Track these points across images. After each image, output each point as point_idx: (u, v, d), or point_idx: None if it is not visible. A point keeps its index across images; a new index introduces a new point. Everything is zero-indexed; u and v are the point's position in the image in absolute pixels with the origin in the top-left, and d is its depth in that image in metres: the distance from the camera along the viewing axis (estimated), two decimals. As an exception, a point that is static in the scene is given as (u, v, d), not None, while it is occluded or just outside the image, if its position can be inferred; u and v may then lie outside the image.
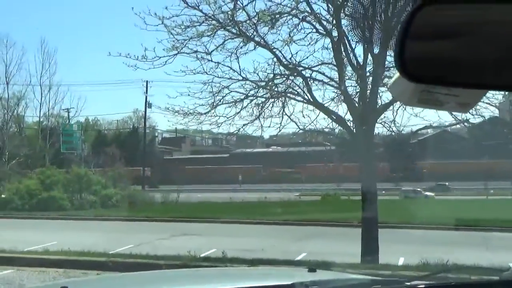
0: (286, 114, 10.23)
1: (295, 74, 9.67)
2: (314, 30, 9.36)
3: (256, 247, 18.56)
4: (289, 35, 9.32)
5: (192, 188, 62.23)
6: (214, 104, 9.72)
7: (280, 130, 10.31)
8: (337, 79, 9.78)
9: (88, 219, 30.70)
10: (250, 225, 26.96)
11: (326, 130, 10.44)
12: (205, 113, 9.73)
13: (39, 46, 55.04)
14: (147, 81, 59.97)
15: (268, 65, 9.78)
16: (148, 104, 61.27)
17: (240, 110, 9.74)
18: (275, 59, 9.57)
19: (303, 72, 9.69)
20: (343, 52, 9.42)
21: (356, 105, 9.53)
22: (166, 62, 9.25)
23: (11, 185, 41.12)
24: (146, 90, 60.50)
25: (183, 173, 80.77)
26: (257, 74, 9.82)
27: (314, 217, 27.51)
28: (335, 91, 10.06)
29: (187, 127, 11.92)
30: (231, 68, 9.69)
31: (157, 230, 24.30)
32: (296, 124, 10.37)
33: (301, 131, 10.49)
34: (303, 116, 10.06)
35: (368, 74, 9.49)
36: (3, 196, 39.05)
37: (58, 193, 38.31)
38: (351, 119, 9.88)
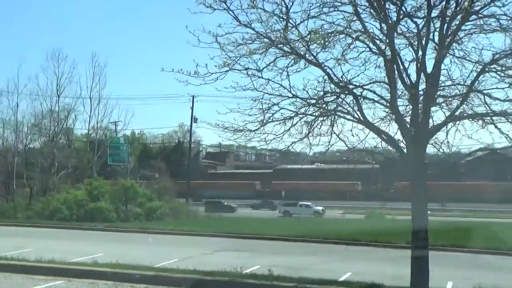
0: (334, 132, 10.17)
1: (346, 92, 9.61)
2: (367, 49, 9.29)
3: (300, 264, 18.44)
4: (342, 54, 9.28)
5: (236, 203, 62.62)
6: (264, 121, 9.74)
7: (328, 149, 10.24)
8: (388, 98, 9.67)
9: (133, 231, 31.04)
10: (292, 242, 26.79)
11: (375, 149, 10.30)
12: (254, 130, 9.77)
13: (90, 60, 56.48)
14: (193, 96, 60.94)
15: (318, 82, 9.77)
16: (194, 119, 61.91)
17: (290, 128, 9.74)
18: (325, 77, 9.55)
19: (354, 91, 9.63)
20: (396, 71, 9.33)
21: (408, 125, 9.40)
22: (217, 78, 9.33)
23: (59, 195, 42.00)
24: (192, 105, 61.43)
25: (227, 187, 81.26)
26: (307, 92, 9.82)
27: (356, 237, 27.12)
28: (386, 110, 9.95)
29: (236, 143, 11.93)
30: (281, 85, 9.71)
31: (201, 244, 24.43)
32: (344, 143, 10.30)
33: (349, 150, 10.37)
34: (352, 135, 9.98)
35: (420, 93, 9.37)
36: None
37: (105, 204, 38.96)
38: (401, 139, 9.76)
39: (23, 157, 52.26)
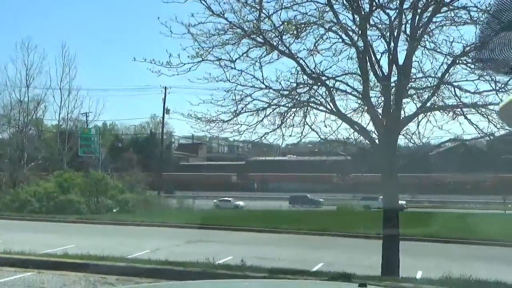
0: (307, 123, 10.20)
1: (319, 83, 9.64)
2: (340, 40, 9.33)
3: (272, 255, 18.52)
4: (315, 45, 9.30)
5: (208, 195, 62.49)
6: (237, 112, 9.72)
7: (301, 140, 10.30)
8: (361, 90, 9.74)
9: (104, 223, 30.80)
10: (264, 233, 26.89)
11: (347, 140, 10.37)
12: (227, 121, 9.75)
13: (59, 50, 55.42)
14: (165, 88, 60.52)
15: (291, 74, 9.78)
16: (166, 110, 61.50)
17: (263, 119, 9.74)
18: (298, 68, 9.57)
19: (327, 82, 9.67)
20: (368, 62, 9.39)
21: (380, 116, 9.48)
22: (190, 69, 9.27)
23: (29, 187, 41.43)
24: (165, 97, 61.02)
25: (198, 179, 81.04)
26: (280, 83, 9.82)
27: (330, 228, 27.40)
28: (358, 101, 10.03)
29: (209, 134, 11.83)
30: (254, 77, 9.70)
31: (173, 235, 24.34)
32: (317, 133, 10.35)
33: (321, 141, 10.43)
34: (325, 126, 10.02)
35: (392, 85, 9.45)
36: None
37: (76, 197, 38.59)
38: (373, 130, 9.85)
39: (-8, 148, 51.38)
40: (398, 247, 9.67)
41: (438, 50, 9.14)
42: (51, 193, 38.94)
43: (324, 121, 10.01)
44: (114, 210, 39.71)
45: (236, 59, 9.34)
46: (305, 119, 9.99)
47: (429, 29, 9.23)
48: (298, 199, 57.37)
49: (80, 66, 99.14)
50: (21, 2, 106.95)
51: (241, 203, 56.71)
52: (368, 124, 9.90)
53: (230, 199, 58.14)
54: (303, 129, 10.16)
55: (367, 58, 9.30)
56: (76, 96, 55.50)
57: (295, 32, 8.98)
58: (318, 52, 9.19)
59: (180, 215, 37.12)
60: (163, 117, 63.83)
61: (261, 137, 9.89)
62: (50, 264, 11.98)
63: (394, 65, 9.39)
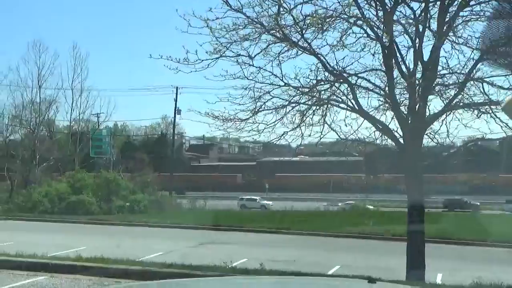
0: (326, 122, 9.86)
1: (341, 80, 9.30)
2: (365, 35, 8.97)
3: (287, 257, 18.18)
4: (341, 38, 8.95)
5: (219, 195, 62.20)
6: (256, 110, 9.39)
7: (320, 139, 9.94)
8: (383, 87, 9.39)
9: (116, 224, 30.59)
10: (278, 234, 26.53)
11: (368, 140, 10.00)
12: (245, 120, 9.43)
13: (71, 50, 55.33)
14: (177, 88, 60.33)
15: (311, 71, 9.44)
16: (177, 111, 61.29)
17: (283, 117, 9.39)
18: (319, 65, 9.24)
19: (349, 79, 9.32)
20: (393, 59, 9.03)
21: (404, 114, 9.11)
22: (208, 65, 8.97)
23: (41, 188, 41.35)
24: (176, 97, 60.79)
25: (210, 180, 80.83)
26: (299, 81, 9.49)
27: (344, 229, 27.01)
28: (380, 99, 9.67)
29: (227, 133, 11.41)
30: (272, 74, 9.36)
31: (185, 237, 24.07)
32: (336, 133, 10.00)
33: (341, 140, 10.07)
34: (345, 125, 9.68)
35: (417, 82, 9.08)
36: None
37: (87, 197, 38.44)
38: (395, 128, 9.50)
39: (4, 149, 51.44)
40: (424, 247, 9.29)
41: (468, 45, 8.75)
42: (63, 194, 38.83)
43: (344, 120, 9.68)
44: (127, 204, 39.62)
45: (255, 55, 9.04)
46: (324, 118, 9.65)
47: (455, 24, 8.88)
48: (454, 203, 53.12)
49: (92, 67, 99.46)
50: (33, 2, 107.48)
51: (268, 202, 55.79)
52: (390, 122, 9.56)
53: (256, 198, 57.02)
54: (323, 128, 9.83)
55: (392, 53, 8.95)
56: (87, 97, 55.44)
57: (320, 25, 8.64)
58: (345, 47, 8.83)
59: (192, 215, 36.83)
60: (174, 118, 63.62)
61: (280, 136, 9.58)
62: (62, 267, 11.66)
63: (419, 62, 9.03)
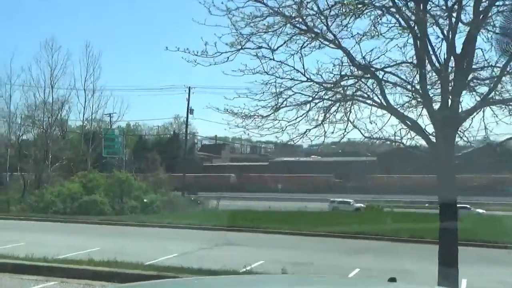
0: (349, 120, 9.37)
1: (368, 75, 8.78)
2: (397, 24, 8.43)
3: (305, 260, 17.70)
4: (374, 26, 8.39)
5: (232, 196, 61.81)
6: (277, 106, 8.90)
7: (343, 137, 9.42)
8: (411, 81, 8.86)
9: (129, 225, 30.23)
10: (293, 236, 26.02)
11: (393, 138, 9.47)
12: (266, 116, 8.94)
13: (83, 50, 55.08)
14: (189, 87, 60.02)
15: (334, 65, 8.94)
16: (189, 110, 60.96)
17: (307, 113, 8.88)
18: (343, 59, 8.73)
19: (377, 73, 8.80)
20: (425, 51, 8.49)
21: (436, 111, 8.57)
22: (228, 58, 8.51)
23: (53, 188, 41.20)
24: (189, 96, 60.45)
25: (222, 180, 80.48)
26: (321, 76, 8.99)
27: (361, 230, 26.45)
28: (409, 94, 9.13)
29: (246, 131, 10.77)
30: (294, 68, 8.87)
31: (199, 238, 23.61)
32: (360, 131, 9.49)
33: (365, 139, 9.55)
34: (370, 122, 9.15)
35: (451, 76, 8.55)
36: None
37: (100, 197, 38.19)
38: (423, 126, 8.97)
39: (16, 149, 51.42)
40: (457, 252, 8.75)
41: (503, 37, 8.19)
42: (75, 194, 38.64)
43: (369, 117, 9.15)
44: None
45: (277, 48, 8.55)
46: (348, 115, 9.13)
47: (490, 14, 8.34)
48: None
49: (104, 66, 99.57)
50: (45, 2, 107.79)
51: (362, 205, 52.68)
52: (417, 119, 9.02)
53: (349, 200, 54.48)
54: (347, 125, 9.32)
55: (425, 45, 8.42)
56: (100, 97, 55.21)
57: (352, 12, 8.13)
58: (380, 34, 8.27)
59: (205, 216, 36.41)
60: (187, 117, 63.26)
61: (303, 134, 9.06)
62: (74, 272, 11.17)
63: (451, 55, 8.50)
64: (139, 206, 39.19)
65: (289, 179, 79.15)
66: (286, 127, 8.90)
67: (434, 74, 8.67)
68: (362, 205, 52.05)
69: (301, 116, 8.98)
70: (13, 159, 48.67)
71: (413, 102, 9.26)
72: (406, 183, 69.54)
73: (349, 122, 9.43)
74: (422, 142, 9.76)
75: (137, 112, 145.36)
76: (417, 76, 8.76)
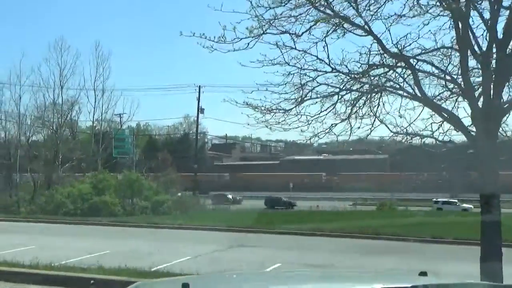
0: (374, 114, 8.65)
1: (404, 64, 8.03)
2: (438, 3, 7.67)
3: (324, 262, 16.99)
4: (410, 8, 7.64)
5: (243, 195, 61.25)
6: (302, 98, 8.18)
7: (370, 132, 8.70)
8: (446, 69, 8.12)
9: (140, 226, 29.62)
10: (308, 236, 25.25)
11: (423, 133, 8.72)
12: (289, 110, 8.24)
13: (93, 49, 54.43)
14: (199, 86, 59.51)
15: (360, 54, 8.23)
16: (200, 110, 60.43)
17: (334, 105, 8.15)
18: (372, 47, 8.00)
19: (411, 61, 8.05)
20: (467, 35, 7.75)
21: (479, 102, 7.82)
22: (248, 44, 7.81)
23: (63, 189, 40.76)
24: (199, 95, 59.91)
25: (233, 179, 79.91)
26: (346, 66, 8.28)
27: (378, 230, 25.64)
28: (445, 84, 8.37)
29: (268, 126, 10.08)
30: (317, 58, 8.17)
31: (212, 240, 22.98)
32: (386, 126, 8.76)
33: (393, 135, 8.81)
34: (400, 116, 8.42)
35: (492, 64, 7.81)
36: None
37: (110, 198, 37.68)
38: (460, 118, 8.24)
39: (26, 150, 51.09)
40: (501, 253, 8.01)
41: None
42: (86, 195, 38.16)
43: (399, 110, 8.43)
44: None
45: (302, 33, 7.85)
46: (376, 108, 8.40)
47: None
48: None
49: (114, 66, 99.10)
50: (54, 2, 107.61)
51: (470, 206, 48.13)
52: (454, 111, 8.26)
53: (455, 200, 52.02)
54: (374, 120, 8.59)
55: (467, 29, 7.67)
56: (110, 97, 54.66)
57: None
58: (422, 12, 7.50)
59: (218, 216, 35.80)
60: (197, 116, 62.74)
61: (329, 128, 8.36)
62: (81, 281, 10.39)
63: (493, 40, 7.76)
64: (149, 206, 38.64)
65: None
66: (312, 121, 8.19)
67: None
68: (471, 206, 47.71)
69: (327, 109, 8.27)
70: (23, 160, 48.29)
71: (447, 93, 8.52)
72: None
73: (376, 117, 8.70)
74: (455, 137, 9.05)
75: (147, 112, 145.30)
76: (452, 64, 8.03)
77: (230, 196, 58.55)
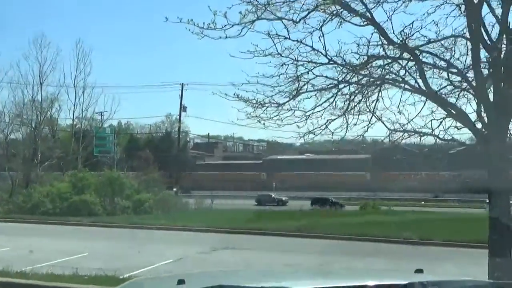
0: (370, 111, 8.10)
1: (408, 55, 7.47)
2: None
3: (312, 264, 16.39)
4: None
5: (225, 194, 60.53)
6: (297, 90, 7.58)
7: (367, 130, 8.15)
8: (449, 60, 7.57)
9: (121, 227, 28.75)
10: (293, 238, 24.64)
11: (425, 130, 8.18)
12: (283, 104, 7.64)
13: (74, 46, 53.47)
14: (182, 84, 58.74)
15: (358, 46, 7.66)
16: (182, 108, 59.70)
17: (334, 98, 7.56)
18: (372, 37, 7.44)
19: (416, 52, 7.48)
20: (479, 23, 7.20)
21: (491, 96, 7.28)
22: (241, 31, 7.21)
23: (42, 188, 39.78)
24: (181, 93, 59.15)
25: (216, 178, 79.15)
26: (342, 58, 7.71)
27: (364, 231, 25.15)
28: (447, 78, 7.83)
29: (261, 121, 9.40)
30: (313, 48, 7.58)
31: (195, 241, 22.36)
32: (384, 124, 8.22)
33: (391, 132, 8.26)
34: (399, 112, 7.87)
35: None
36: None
37: (90, 197, 36.79)
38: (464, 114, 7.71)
39: (4, 148, 50.03)
40: (510, 246, 7.52)
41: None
42: (65, 194, 37.24)
43: (398, 106, 7.88)
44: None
45: (300, 20, 7.23)
46: (374, 104, 7.84)
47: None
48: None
49: (95, 63, 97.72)
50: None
51: None
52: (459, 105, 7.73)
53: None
54: (371, 117, 8.03)
55: (479, 15, 7.12)
56: (90, 94, 53.77)
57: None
58: None
59: (200, 216, 35.01)
60: (180, 115, 61.98)
61: (324, 124, 7.76)
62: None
63: (504, 31, 7.24)
64: (131, 205, 37.82)
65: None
66: (309, 115, 7.60)
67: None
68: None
69: (322, 104, 7.68)
70: (1, 159, 47.28)
71: (449, 87, 7.99)
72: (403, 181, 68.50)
73: (373, 114, 8.15)
74: (456, 135, 8.54)
75: (129, 110, 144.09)
76: (454, 57, 7.49)
77: (274, 196, 57.80)
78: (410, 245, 21.63)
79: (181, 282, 3.11)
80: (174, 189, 43.78)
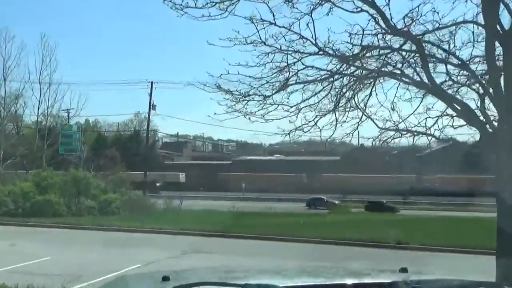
0: (359, 107, 7.43)
1: (415, 48, 6.75)
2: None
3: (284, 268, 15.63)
4: None
5: (194, 195, 59.45)
6: (286, 81, 6.82)
7: (357, 128, 7.46)
8: (452, 49, 6.93)
9: (87, 228, 27.55)
10: (264, 241, 23.87)
11: (419, 129, 7.54)
12: (269, 96, 6.86)
13: (39, 40, 51.98)
14: (152, 82, 57.59)
15: (350, 35, 6.95)
16: (152, 106, 58.54)
17: (330, 90, 6.82)
18: (367, 26, 6.74)
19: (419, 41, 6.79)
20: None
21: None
22: (227, 9, 6.40)
23: (4, 186, 38.22)
24: (151, 92, 57.98)
25: (187, 178, 77.95)
26: (332, 48, 6.99)
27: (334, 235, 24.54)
28: (446, 72, 7.19)
29: (245, 116, 8.59)
30: (301, 36, 6.83)
31: (165, 244, 21.44)
32: (374, 122, 7.54)
33: (382, 131, 7.58)
34: (392, 109, 7.20)
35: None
36: None
37: (54, 197, 35.42)
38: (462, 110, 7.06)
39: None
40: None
41: None
42: (28, 193, 35.78)
43: (392, 102, 7.21)
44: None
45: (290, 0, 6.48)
46: (368, 98, 7.16)
47: None
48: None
49: (62, 60, 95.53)
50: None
51: None
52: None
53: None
54: (362, 115, 7.34)
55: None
56: (56, 91, 52.24)
57: None
58: None
59: (169, 218, 33.96)
60: (148, 113, 60.75)
61: (313, 120, 7.03)
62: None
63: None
64: (96, 206, 36.57)
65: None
66: (301, 108, 6.85)
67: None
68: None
69: (311, 98, 6.95)
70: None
71: (449, 82, 7.33)
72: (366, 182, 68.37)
73: (363, 112, 7.45)
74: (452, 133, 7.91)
75: (97, 108, 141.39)
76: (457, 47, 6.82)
77: (325, 199, 55.79)
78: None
79: (166, 279, 3.08)
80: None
